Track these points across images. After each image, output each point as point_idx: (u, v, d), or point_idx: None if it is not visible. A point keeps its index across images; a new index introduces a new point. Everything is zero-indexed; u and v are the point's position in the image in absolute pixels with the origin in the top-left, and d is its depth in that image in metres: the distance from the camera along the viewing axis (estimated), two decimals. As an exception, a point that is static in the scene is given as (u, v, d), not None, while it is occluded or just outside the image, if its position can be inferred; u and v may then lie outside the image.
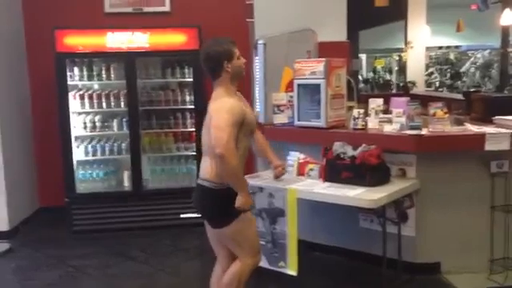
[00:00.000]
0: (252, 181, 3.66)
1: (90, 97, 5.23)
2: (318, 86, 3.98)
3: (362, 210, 3.70)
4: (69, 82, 5.14)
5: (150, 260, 4.42)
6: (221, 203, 2.80)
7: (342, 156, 3.62)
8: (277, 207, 3.58)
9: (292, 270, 3.53)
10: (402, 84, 10.74)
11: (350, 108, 4.25)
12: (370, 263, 3.83)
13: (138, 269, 4.26)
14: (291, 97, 4.27)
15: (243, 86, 3.94)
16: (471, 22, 9.90)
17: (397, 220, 3.67)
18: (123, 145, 5.32)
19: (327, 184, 3.58)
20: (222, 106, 2.74)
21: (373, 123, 3.95)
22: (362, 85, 10.88)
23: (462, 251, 3.73)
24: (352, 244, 4.08)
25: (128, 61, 5.13)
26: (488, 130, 3.69)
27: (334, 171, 3.60)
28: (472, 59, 13.24)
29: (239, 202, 2.75)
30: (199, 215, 2.97)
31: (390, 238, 3.58)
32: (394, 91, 11.19)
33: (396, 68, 13.16)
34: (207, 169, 2.81)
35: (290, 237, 3.53)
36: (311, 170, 3.80)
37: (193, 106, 5.26)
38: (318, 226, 4.21)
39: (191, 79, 5.29)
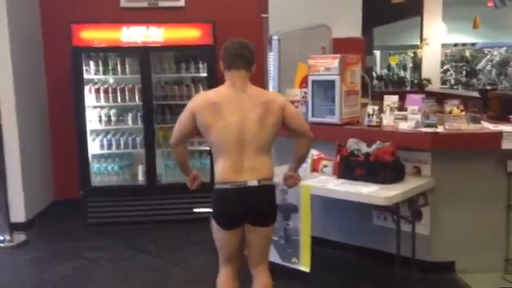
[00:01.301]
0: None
1: (106, 91, 5.27)
2: (332, 82, 3.96)
3: (376, 207, 3.70)
4: (84, 76, 5.19)
5: (163, 254, 4.45)
6: (276, 198, 2.85)
7: (356, 153, 3.61)
8: (290, 203, 3.58)
9: (305, 267, 3.54)
10: (416, 81, 10.66)
11: (364, 105, 4.23)
12: (383, 261, 3.82)
13: (152, 262, 4.29)
14: (305, 93, 4.25)
15: (257, 81, 3.94)
16: (487, 19, 9.78)
17: (411, 218, 3.65)
18: (138, 139, 5.36)
19: (341, 181, 3.58)
20: (283, 97, 2.93)
21: (387, 120, 3.92)
22: (375, 82, 10.81)
23: (476, 250, 3.70)
24: (365, 241, 4.07)
25: (143, 55, 5.16)
26: (505, 128, 3.65)
27: (348, 168, 3.59)
28: (488, 57, 13.08)
29: (300, 178, 3.04)
30: (255, 218, 2.71)
31: (403, 236, 3.55)
32: (408, 88, 11.12)
33: (410, 65, 13.04)
34: (270, 168, 2.75)
35: (303, 233, 3.53)
36: (325, 166, 3.80)
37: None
38: (332, 222, 4.20)
39: (205, 74, 5.31)
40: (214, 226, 2.75)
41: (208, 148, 5.25)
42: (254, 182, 2.64)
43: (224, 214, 2.71)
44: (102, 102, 5.30)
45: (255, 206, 2.69)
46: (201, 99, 2.76)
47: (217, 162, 2.72)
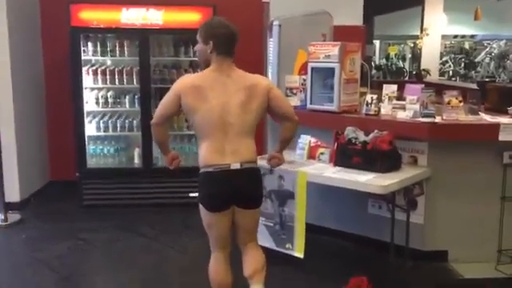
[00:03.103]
0: (262, 162, 3.66)
1: (103, 72, 5.23)
2: (331, 69, 3.94)
3: (372, 195, 3.71)
4: (82, 57, 5.14)
5: (159, 237, 4.47)
6: (262, 180, 2.87)
7: (353, 141, 3.61)
8: (286, 189, 3.59)
9: (299, 253, 3.56)
10: (414, 72, 10.66)
11: (363, 94, 4.22)
12: (377, 249, 3.85)
13: (147, 245, 4.31)
14: (304, 80, 4.24)
15: (256, 67, 3.93)
16: (488, 11, 9.78)
17: (406, 207, 3.68)
18: (135, 122, 5.33)
19: (337, 168, 3.58)
20: (268, 80, 2.94)
21: (386, 109, 3.92)
22: (374, 71, 10.81)
23: (470, 240, 3.73)
24: (360, 230, 4.08)
25: (141, 37, 5.12)
26: (502, 120, 3.66)
27: (345, 156, 3.60)
28: (487, 49, 13.07)
29: (284, 158, 3.03)
30: (239, 201, 2.71)
31: (398, 225, 3.58)
32: (406, 79, 11.12)
33: (409, 55, 13.03)
34: (253, 152, 2.74)
35: (299, 219, 3.55)
36: (322, 153, 3.80)
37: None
38: (327, 210, 4.22)
39: (204, 59, 5.26)
40: (202, 209, 2.75)
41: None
42: (236, 165, 2.65)
43: (209, 197, 2.72)
44: (100, 84, 5.26)
45: (239, 189, 2.70)
46: (186, 82, 2.74)
47: (200, 146, 2.73)
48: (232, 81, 2.70)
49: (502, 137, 3.52)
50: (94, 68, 5.26)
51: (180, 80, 2.78)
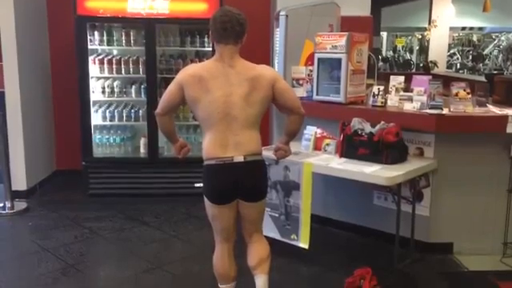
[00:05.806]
0: (268, 153, 3.66)
1: (110, 62, 5.23)
2: (338, 60, 3.92)
3: (377, 187, 3.70)
4: (89, 47, 5.14)
5: (164, 226, 4.48)
6: (267, 173, 2.87)
7: (359, 132, 3.60)
8: (292, 180, 3.59)
9: (304, 243, 3.57)
10: (422, 64, 10.59)
11: (369, 86, 4.20)
12: (382, 241, 3.85)
13: (152, 234, 4.33)
14: (311, 71, 4.23)
15: (263, 57, 3.91)
16: (498, 3, 9.66)
17: (411, 199, 3.67)
18: (140, 111, 5.34)
19: (343, 160, 3.58)
20: (274, 71, 2.87)
21: (393, 101, 3.90)
22: (380, 63, 10.74)
23: (475, 233, 3.72)
24: (365, 221, 4.08)
25: (148, 27, 5.10)
26: (511, 112, 3.63)
27: (351, 147, 3.59)
28: (495, 42, 12.96)
29: (290, 151, 2.99)
30: (242, 193, 2.69)
31: (403, 217, 3.57)
32: (413, 71, 11.05)
33: (417, 47, 12.94)
34: (257, 144, 2.71)
35: (304, 210, 3.55)
36: (328, 145, 3.80)
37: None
38: (332, 201, 4.22)
39: (210, 48, 5.25)
40: (206, 201, 2.75)
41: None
42: (239, 158, 2.62)
43: (213, 190, 2.71)
44: (106, 73, 5.26)
45: (242, 182, 2.66)
46: (188, 73, 2.69)
47: (204, 138, 2.71)
48: (235, 72, 2.64)
49: (509, 129, 3.50)
50: (100, 57, 5.25)
51: (183, 71, 2.75)
